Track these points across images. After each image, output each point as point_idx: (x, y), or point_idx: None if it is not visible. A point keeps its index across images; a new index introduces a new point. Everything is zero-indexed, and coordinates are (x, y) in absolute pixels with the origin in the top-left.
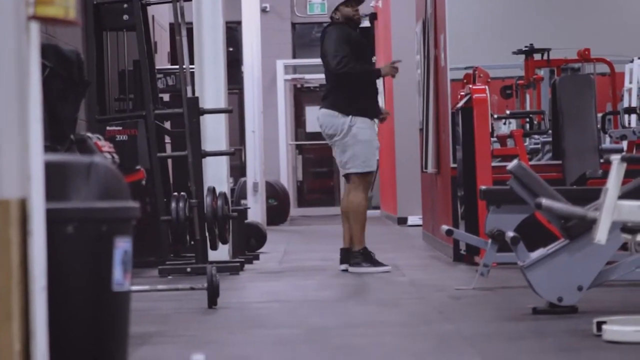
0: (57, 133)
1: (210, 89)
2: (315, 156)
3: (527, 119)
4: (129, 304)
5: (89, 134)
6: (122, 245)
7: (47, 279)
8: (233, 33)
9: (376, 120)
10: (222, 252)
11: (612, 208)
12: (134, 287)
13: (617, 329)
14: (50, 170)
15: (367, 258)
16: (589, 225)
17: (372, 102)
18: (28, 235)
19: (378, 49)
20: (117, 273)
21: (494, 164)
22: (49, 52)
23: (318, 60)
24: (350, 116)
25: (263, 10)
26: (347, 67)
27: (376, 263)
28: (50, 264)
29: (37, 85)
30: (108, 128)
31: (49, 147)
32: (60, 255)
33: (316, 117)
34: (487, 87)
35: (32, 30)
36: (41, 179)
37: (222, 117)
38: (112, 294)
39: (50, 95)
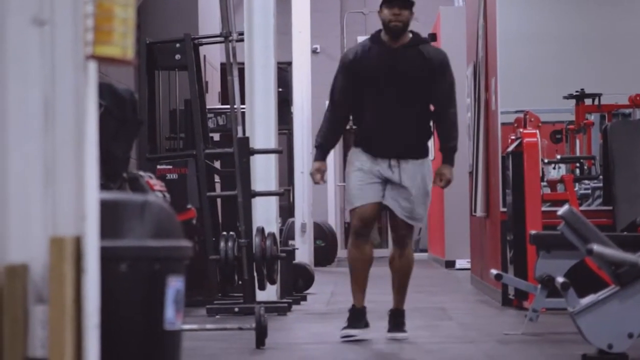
0: (110, 171)
1: (261, 129)
2: None
3: (578, 164)
4: (180, 343)
5: (141, 173)
6: (175, 284)
7: (100, 316)
8: (283, 73)
9: (390, 162)
10: (270, 293)
11: None
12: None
13: None
14: (105, 208)
15: (350, 317)
16: None
17: (371, 134)
18: (82, 273)
19: None
20: (169, 312)
21: (543, 208)
22: (104, 91)
23: None
24: (352, 147)
25: (314, 51)
26: (326, 112)
27: (351, 324)
28: (103, 302)
29: (94, 124)
30: (158, 167)
31: (102, 185)
32: (114, 293)
33: None
34: (537, 131)
35: (90, 70)
36: (96, 217)
37: (272, 158)
38: (164, 332)
39: (104, 133)
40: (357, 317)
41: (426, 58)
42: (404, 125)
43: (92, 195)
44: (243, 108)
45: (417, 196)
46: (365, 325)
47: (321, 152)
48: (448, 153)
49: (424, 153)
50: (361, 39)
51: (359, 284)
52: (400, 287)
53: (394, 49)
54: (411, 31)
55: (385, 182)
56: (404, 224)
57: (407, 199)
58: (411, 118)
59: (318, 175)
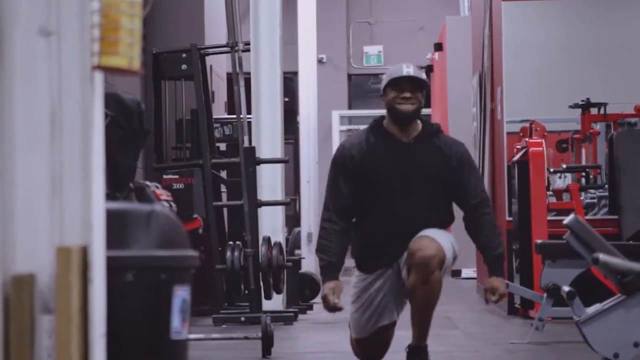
0: (116, 181)
1: (267, 138)
2: None
3: (584, 173)
4: (187, 352)
5: (148, 182)
6: (181, 294)
7: (106, 325)
8: (289, 83)
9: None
10: (276, 302)
11: None
12: (190, 336)
13: None
14: (111, 218)
15: None
16: None
17: (374, 251)
18: (88, 282)
19: (434, 101)
20: (176, 321)
21: (549, 217)
22: (110, 100)
23: (374, 112)
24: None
25: (320, 61)
26: (320, 232)
27: None
28: (109, 311)
29: (100, 134)
30: (165, 176)
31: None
32: (120, 303)
33: None
34: (543, 140)
35: (96, 80)
36: (102, 227)
37: (278, 167)
38: (170, 342)
39: (111, 143)
40: None
41: (446, 152)
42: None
43: (99, 205)
44: (249, 118)
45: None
46: None
47: (332, 271)
48: (496, 263)
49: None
50: (367, 48)
51: None
52: (422, 319)
53: (407, 144)
54: (419, 118)
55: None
56: (422, 240)
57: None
58: (431, 224)
59: (332, 298)
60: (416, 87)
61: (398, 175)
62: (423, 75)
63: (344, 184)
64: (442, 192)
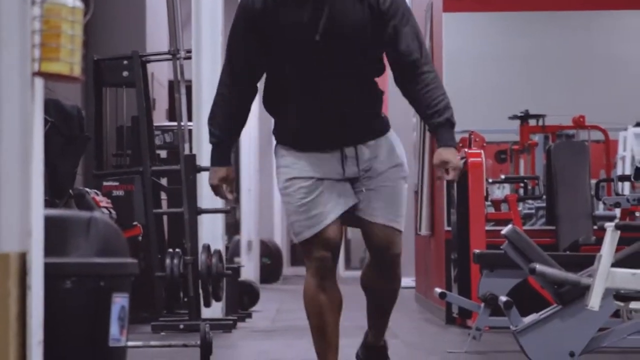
0: (56, 187)
1: (207, 146)
2: None
3: (522, 184)
4: (125, 359)
5: (87, 189)
6: (120, 301)
7: (44, 332)
8: None
9: (344, 152)
10: (215, 310)
11: (605, 275)
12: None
13: None
14: (50, 224)
15: None
16: (582, 291)
17: (304, 123)
18: (27, 289)
19: None
20: (114, 329)
21: (487, 228)
22: (50, 107)
23: None
24: (275, 144)
25: None
26: (215, 97)
27: None
28: (48, 318)
29: (39, 140)
30: (105, 183)
31: (48, 201)
32: (58, 310)
33: None
34: (482, 151)
35: (36, 86)
36: (41, 233)
37: None
38: (108, 349)
39: (51, 149)
40: None
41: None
42: (352, 101)
43: (38, 211)
44: (190, 125)
45: (394, 180)
46: None
47: (221, 152)
48: (444, 129)
49: (384, 127)
50: None
51: (331, 342)
52: (383, 315)
53: None
54: None
55: (339, 182)
56: (388, 231)
57: (381, 191)
58: (360, 89)
59: (223, 188)
60: None
61: (312, 31)
62: None
63: (245, 37)
64: (370, 53)
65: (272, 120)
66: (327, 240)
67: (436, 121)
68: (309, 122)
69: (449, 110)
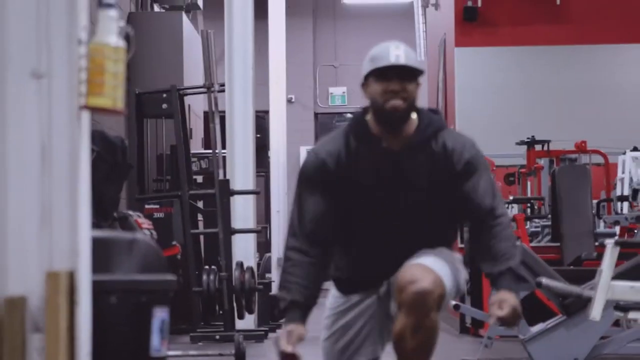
0: (102, 211)
1: (240, 172)
2: None
3: (529, 204)
4: None
5: (130, 212)
6: (160, 315)
7: (92, 344)
8: (261, 121)
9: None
10: (248, 322)
11: (606, 288)
12: (169, 353)
13: None
14: (97, 245)
15: None
16: (584, 303)
17: (356, 273)
18: (75, 304)
19: None
20: (155, 340)
21: None
22: (96, 137)
23: None
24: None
25: (289, 101)
26: (284, 264)
27: None
28: (95, 331)
29: (86, 168)
30: (146, 206)
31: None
32: (104, 323)
33: None
34: (493, 174)
35: (83, 119)
36: (88, 253)
37: (251, 198)
38: (150, 359)
39: (96, 176)
40: None
41: (448, 159)
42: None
43: (85, 233)
44: (224, 153)
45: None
46: None
47: (295, 313)
48: (506, 276)
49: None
50: (333, 89)
51: None
52: None
53: (397, 153)
54: (415, 110)
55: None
56: (415, 269)
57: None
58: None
59: (283, 343)
60: (407, 76)
61: (386, 191)
62: (416, 59)
63: (315, 203)
64: (442, 206)
65: (300, 150)
66: None
67: (505, 267)
68: (369, 270)
69: (516, 258)
